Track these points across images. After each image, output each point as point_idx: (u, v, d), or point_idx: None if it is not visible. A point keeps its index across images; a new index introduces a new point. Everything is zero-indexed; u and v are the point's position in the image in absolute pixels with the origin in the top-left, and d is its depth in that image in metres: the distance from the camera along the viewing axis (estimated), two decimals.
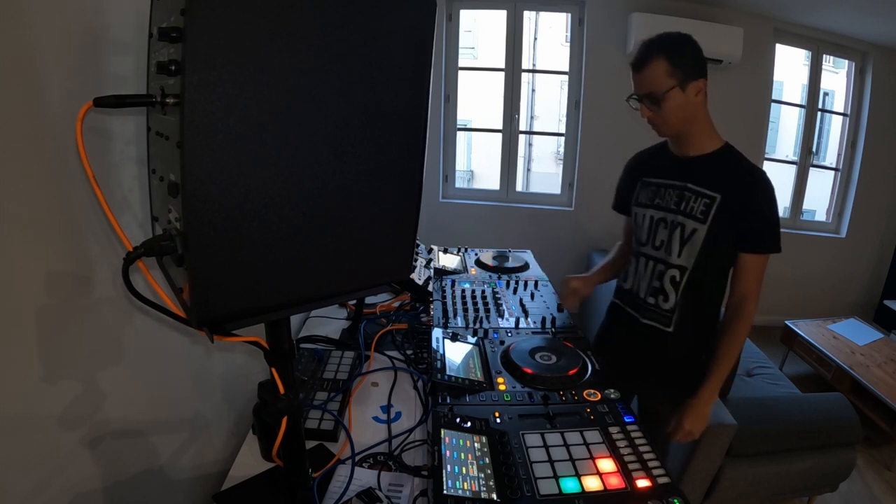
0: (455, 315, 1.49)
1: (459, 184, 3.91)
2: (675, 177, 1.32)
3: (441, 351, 1.22)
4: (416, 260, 1.85)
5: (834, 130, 4.00)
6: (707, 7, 3.18)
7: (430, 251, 2.00)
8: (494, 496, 0.80)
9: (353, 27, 0.57)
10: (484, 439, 0.92)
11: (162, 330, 0.93)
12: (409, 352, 1.44)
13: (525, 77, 3.54)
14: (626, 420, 1.01)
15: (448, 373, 1.13)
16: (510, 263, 1.93)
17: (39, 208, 0.66)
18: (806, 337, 2.93)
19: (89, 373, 0.77)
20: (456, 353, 1.23)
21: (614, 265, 1.59)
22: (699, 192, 1.26)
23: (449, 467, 0.83)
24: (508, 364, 1.20)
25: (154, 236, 0.58)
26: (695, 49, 1.18)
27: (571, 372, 1.17)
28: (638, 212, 1.41)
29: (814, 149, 3.76)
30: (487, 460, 0.87)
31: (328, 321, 1.67)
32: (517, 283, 1.77)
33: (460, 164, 4.79)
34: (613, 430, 0.97)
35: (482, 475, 0.84)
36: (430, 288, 1.69)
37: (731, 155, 1.27)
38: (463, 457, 0.87)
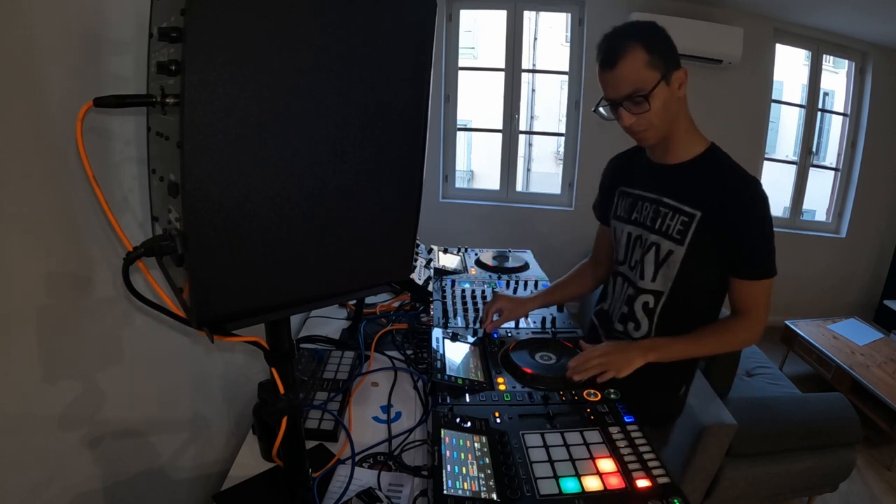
0: (455, 315, 1.49)
1: (459, 184, 3.91)
2: (652, 188, 1.15)
3: (441, 351, 1.22)
4: (416, 260, 1.85)
5: (834, 130, 4.00)
6: (707, 7, 3.18)
7: (430, 251, 2.00)
8: (494, 496, 0.80)
9: (353, 27, 0.57)
10: (484, 439, 0.92)
11: (162, 330, 0.93)
12: (409, 352, 1.44)
13: (525, 77, 3.54)
14: (626, 420, 1.01)
15: (448, 373, 1.13)
16: (510, 263, 1.93)
17: (39, 208, 0.66)
18: (806, 337, 2.93)
19: (89, 373, 0.77)
20: (456, 353, 1.23)
21: (566, 287, 1.45)
22: (676, 208, 1.09)
23: (449, 467, 0.83)
24: (508, 364, 1.20)
25: (154, 236, 0.58)
26: (666, 35, 1.03)
27: None
28: (616, 226, 1.26)
29: (814, 149, 3.76)
30: (487, 460, 0.87)
31: (328, 321, 1.67)
32: (517, 283, 1.77)
33: (460, 164, 4.79)
34: (613, 430, 0.97)
35: (482, 475, 0.84)
36: (430, 288, 1.69)
37: (715, 160, 1.09)
38: (463, 457, 0.87)
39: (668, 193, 1.12)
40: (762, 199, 1.02)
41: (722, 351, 1.17)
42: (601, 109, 1.10)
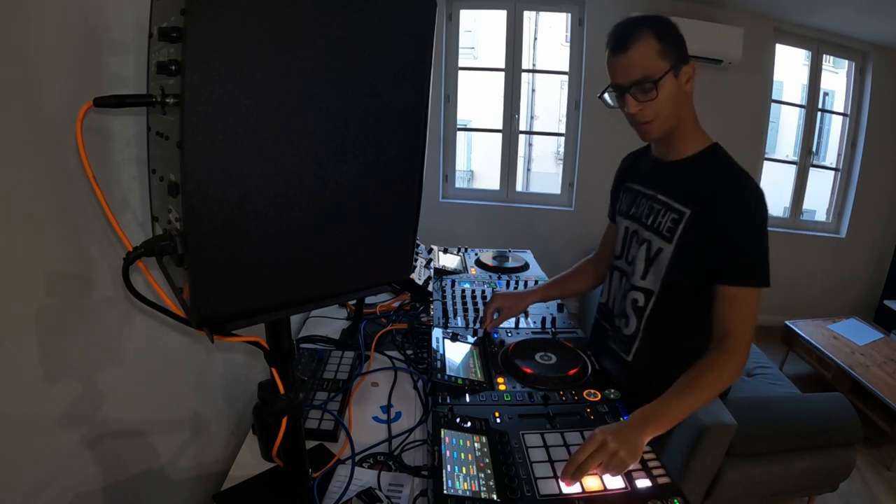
0: (455, 315, 1.49)
1: (459, 184, 3.91)
2: (650, 185, 1.15)
3: (441, 351, 1.22)
4: (416, 260, 1.85)
5: (834, 130, 4.00)
6: (707, 7, 3.18)
7: (430, 251, 2.00)
8: (494, 496, 0.80)
9: (353, 27, 0.57)
10: (484, 439, 0.92)
11: (162, 330, 0.93)
12: (409, 352, 1.44)
13: (525, 77, 3.54)
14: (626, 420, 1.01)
15: (448, 373, 1.13)
16: (510, 263, 1.93)
17: (39, 208, 0.66)
18: (806, 337, 2.93)
19: (89, 373, 0.76)
20: (456, 353, 1.23)
21: (568, 282, 1.45)
22: (668, 205, 1.08)
23: (449, 467, 0.83)
24: (508, 364, 1.20)
25: (154, 236, 0.58)
26: (677, 29, 1.02)
27: (571, 372, 1.17)
28: (619, 221, 1.26)
29: (814, 149, 3.76)
30: (487, 460, 0.87)
31: (328, 321, 1.67)
32: (517, 283, 1.77)
33: (460, 164, 4.79)
34: None
35: (482, 475, 0.84)
36: (430, 288, 1.69)
37: (713, 159, 1.06)
38: (463, 457, 0.87)
39: (663, 190, 1.10)
40: (756, 201, 0.98)
41: (716, 394, 0.98)
42: (606, 97, 1.08)
